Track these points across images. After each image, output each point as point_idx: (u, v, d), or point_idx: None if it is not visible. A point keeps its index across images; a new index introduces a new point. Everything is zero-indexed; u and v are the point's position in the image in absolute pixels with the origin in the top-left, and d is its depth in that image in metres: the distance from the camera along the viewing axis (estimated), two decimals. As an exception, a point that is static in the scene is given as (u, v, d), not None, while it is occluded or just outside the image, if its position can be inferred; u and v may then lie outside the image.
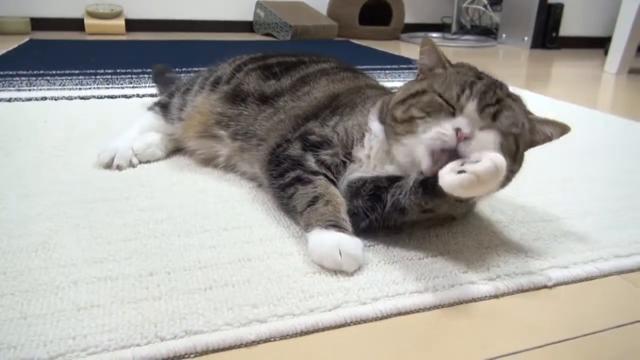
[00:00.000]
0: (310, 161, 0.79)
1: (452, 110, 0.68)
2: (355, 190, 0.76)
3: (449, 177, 0.63)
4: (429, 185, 0.68)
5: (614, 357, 0.57)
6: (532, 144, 0.74)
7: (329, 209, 0.72)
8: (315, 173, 0.78)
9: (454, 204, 0.72)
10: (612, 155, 1.25)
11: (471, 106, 0.68)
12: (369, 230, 0.75)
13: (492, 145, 0.67)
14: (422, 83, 0.74)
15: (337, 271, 0.67)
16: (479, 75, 0.74)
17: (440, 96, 0.69)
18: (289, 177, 0.78)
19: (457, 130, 0.66)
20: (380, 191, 0.74)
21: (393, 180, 0.74)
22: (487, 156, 0.62)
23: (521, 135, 0.71)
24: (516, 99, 0.73)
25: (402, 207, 0.71)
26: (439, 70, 0.76)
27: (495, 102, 0.69)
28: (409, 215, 0.72)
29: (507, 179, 0.71)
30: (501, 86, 0.73)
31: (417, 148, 0.69)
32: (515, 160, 0.71)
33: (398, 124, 0.72)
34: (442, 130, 0.66)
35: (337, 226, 0.70)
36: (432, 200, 0.70)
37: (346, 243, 0.68)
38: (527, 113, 0.74)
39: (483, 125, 0.68)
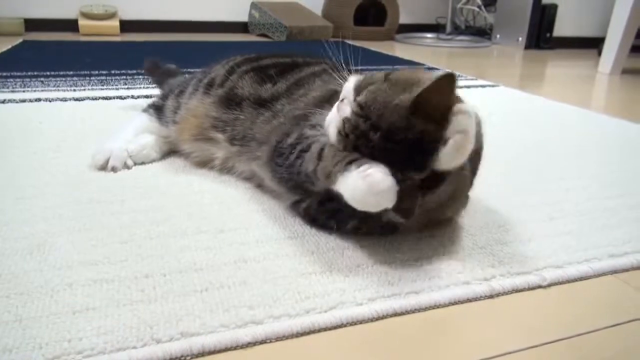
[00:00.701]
0: (309, 133, 0.78)
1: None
2: None
3: None
4: None
5: (609, 357, 0.57)
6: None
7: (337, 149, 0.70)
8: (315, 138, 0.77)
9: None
10: (605, 154, 1.26)
11: None
12: (358, 231, 0.75)
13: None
14: None
15: (332, 272, 0.68)
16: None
17: None
18: (294, 155, 0.77)
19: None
20: None
21: None
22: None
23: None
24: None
25: None
26: None
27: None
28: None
29: None
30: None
31: None
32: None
33: None
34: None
35: (354, 160, 0.66)
36: None
37: (373, 181, 0.63)
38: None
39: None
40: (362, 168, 0.64)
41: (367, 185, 0.63)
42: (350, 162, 0.66)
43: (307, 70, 1.01)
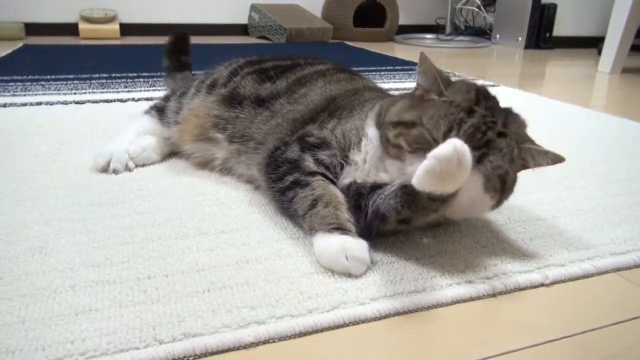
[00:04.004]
0: (308, 161, 0.79)
1: None
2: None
3: (416, 172, 0.62)
4: (408, 189, 0.67)
5: (611, 355, 0.57)
6: (524, 168, 0.73)
7: (329, 210, 0.72)
8: (313, 174, 0.78)
9: (427, 210, 0.68)
10: (606, 153, 1.26)
11: None
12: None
13: (474, 187, 0.68)
14: (413, 112, 0.71)
15: (335, 272, 0.68)
16: (472, 108, 0.69)
17: (429, 132, 0.68)
18: (288, 181, 0.78)
19: None
20: (360, 199, 0.74)
21: (375, 187, 0.74)
22: (448, 141, 0.61)
23: (507, 174, 0.70)
24: (511, 132, 0.70)
25: (382, 214, 0.70)
26: (433, 96, 0.72)
27: (483, 145, 0.67)
28: (389, 223, 0.71)
29: (498, 202, 0.73)
30: (494, 123, 0.68)
31: (404, 176, 0.69)
32: (503, 191, 0.71)
33: (389, 146, 0.72)
34: None
35: (340, 228, 0.70)
36: (409, 206, 0.68)
37: (351, 247, 0.67)
38: (525, 141, 0.72)
39: None
40: (345, 236, 0.69)
41: (342, 248, 0.67)
42: (336, 228, 0.70)
43: (308, 69, 1.02)
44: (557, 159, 0.72)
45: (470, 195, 0.68)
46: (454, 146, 0.60)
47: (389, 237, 0.77)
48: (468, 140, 0.65)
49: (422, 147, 0.68)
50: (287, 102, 0.94)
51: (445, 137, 0.66)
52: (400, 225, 0.72)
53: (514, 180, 0.73)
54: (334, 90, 0.94)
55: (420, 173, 0.61)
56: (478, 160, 0.67)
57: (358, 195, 0.75)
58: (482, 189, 0.69)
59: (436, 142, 0.67)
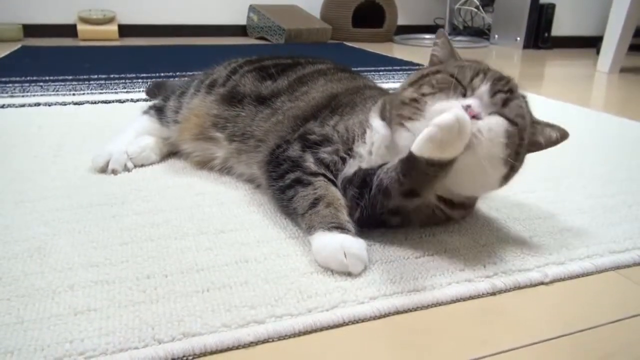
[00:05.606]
0: (309, 161, 0.79)
1: (464, 91, 0.69)
2: (348, 181, 0.76)
3: (417, 139, 0.64)
4: (408, 156, 0.67)
5: (610, 352, 0.57)
6: (535, 145, 0.74)
7: (330, 211, 0.72)
8: (315, 174, 0.77)
9: (427, 176, 0.67)
10: (605, 152, 1.26)
11: (484, 88, 0.69)
12: (363, 223, 0.74)
13: (500, 130, 0.68)
14: (434, 68, 0.75)
15: (334, 271, 0.67)
16: (490, 68, 0.74)
17: (453, 76, 0.69)
18: (289, 179, 0.78)
19: (467, 107, 0.66)
20: (369, 177, 0.74)
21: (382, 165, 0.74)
22: (450, 110, 0.63)
23: (525, 130, 0.71)
24: (523, 97, 0.74)
25: (385, 187, 0.70)
26: (451, 61, 0.77)
27: (507, 91, 0.70)
28: (392, 197, 0.71)
29: (506, 177, 0.73)
30: (510, 80, 0.74)
31: (423, 128, 0.66)
32: (517, 154, 0.70)
33: (405, 106, 0.71)
34: (451, 105, 0.66)
35: (339, 228, 0.70)
36: (410, 173, 0.67)
37: (349, 244, 0.68)
38: (531, 115, 0.75)
39: (493, 109, 0.68)
40: (344, 235, 0.69)
41: (341, 245, 0.67)
42: (336, 227, 0.70)
43: (309, 68, 1.02)
44: (564, 134, 0.74)
45: (492, 142, 0.67)
46: (455, 115, 0.62)
47: (389, 235, 0.77)
48: (494, 83, 0.69)
49: (447, 88, 0.69)
50: (289, 99, 0.94)
51: (472, 80, 0.69)
52: (405, 200, 0.71)
53: (524, 157, 0.74)
54: (335, 88, 0.94)
55: (421, 139, 0.64)
56: (504, 104, 0.69)
57: (365, 175, 0.75)
58: (504, 136, 0.67)
59: (461, 85, 0.69)
